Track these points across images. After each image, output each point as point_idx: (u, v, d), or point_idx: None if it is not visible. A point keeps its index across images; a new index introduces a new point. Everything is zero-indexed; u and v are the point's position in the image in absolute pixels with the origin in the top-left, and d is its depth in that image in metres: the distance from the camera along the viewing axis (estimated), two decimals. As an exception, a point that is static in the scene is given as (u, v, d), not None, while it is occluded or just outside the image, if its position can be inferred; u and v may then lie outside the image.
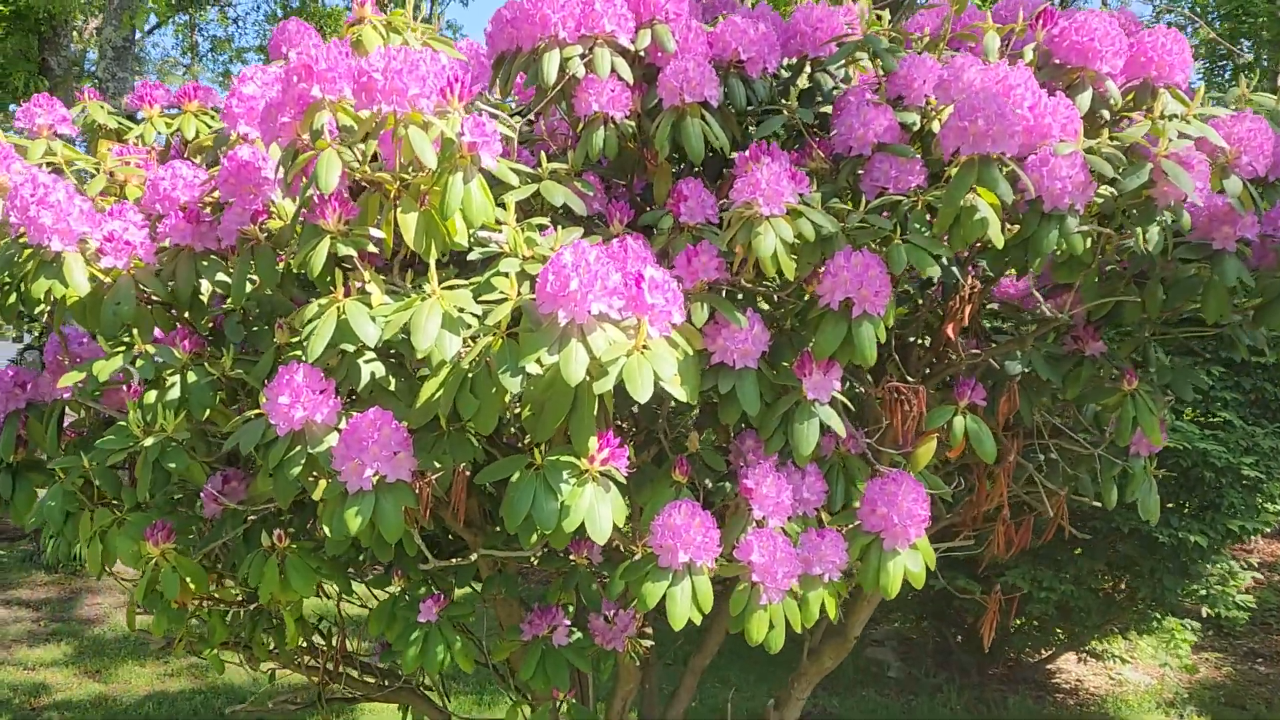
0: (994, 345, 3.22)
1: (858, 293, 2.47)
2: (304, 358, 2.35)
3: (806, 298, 2.76)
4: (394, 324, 2.24)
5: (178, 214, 2.75)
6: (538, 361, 2.18)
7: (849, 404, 2.71)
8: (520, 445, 3.04)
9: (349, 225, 2.43)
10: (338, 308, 2.37)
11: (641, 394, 2.14)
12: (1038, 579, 6.17)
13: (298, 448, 2.41)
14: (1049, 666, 7.28)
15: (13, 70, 12.91)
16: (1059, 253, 2.64)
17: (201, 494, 2.97)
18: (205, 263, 2.77)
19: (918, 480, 2.64)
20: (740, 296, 2.78)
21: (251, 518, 2.88)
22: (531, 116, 3.19)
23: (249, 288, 2.73)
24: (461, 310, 2.31)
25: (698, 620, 2.41)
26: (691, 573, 2.43)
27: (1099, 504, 3.31)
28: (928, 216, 2.63)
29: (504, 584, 3.13)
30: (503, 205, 2.57)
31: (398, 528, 2.34)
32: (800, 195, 2.51)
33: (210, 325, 2.96)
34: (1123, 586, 6.50)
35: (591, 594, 3.03)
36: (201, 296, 2.90)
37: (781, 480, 2.58)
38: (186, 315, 2.84)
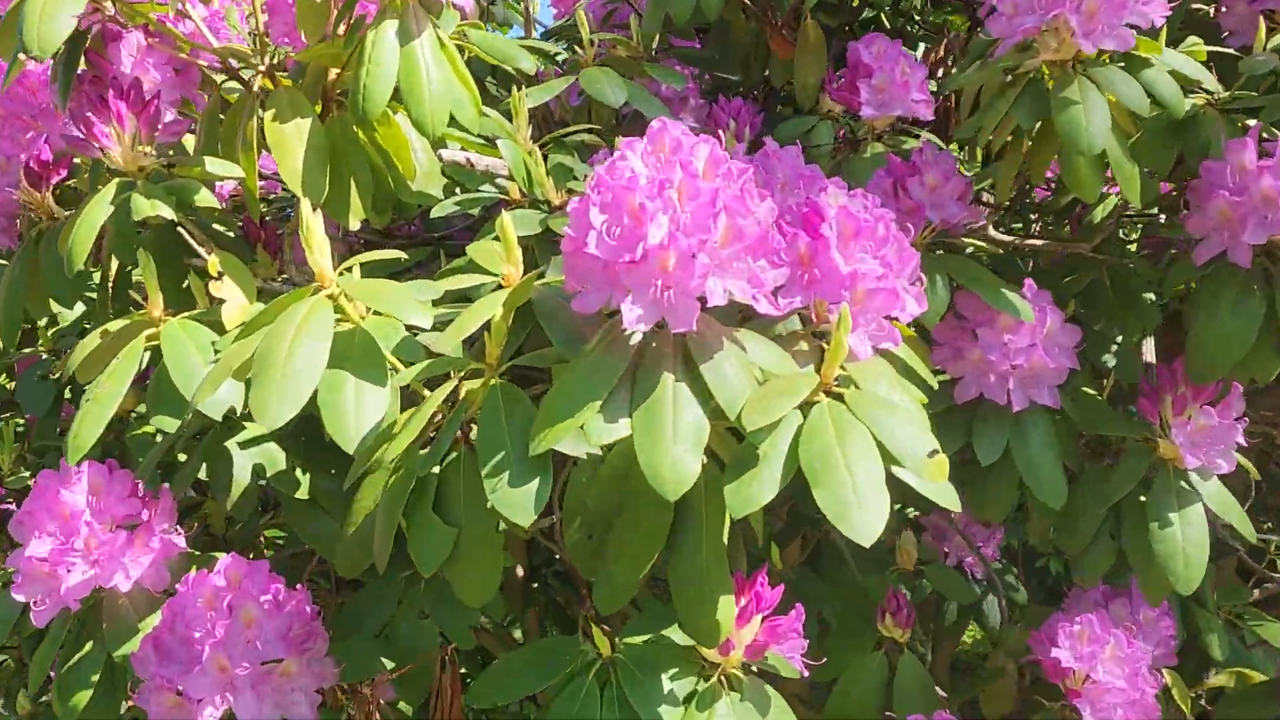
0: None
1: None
2: (69, 454, 1.06)
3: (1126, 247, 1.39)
4: (229, 363, 0.93)
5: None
6: (582, 433, 0.85)
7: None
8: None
9: (167, 159, 1.14)
10: (147, 336, 1.09)
11: (857, 519, 0.79)
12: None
13: (89, 645, 1.12)
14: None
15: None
16: None
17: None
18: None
19: None
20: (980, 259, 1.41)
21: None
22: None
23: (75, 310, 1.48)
24: (401, 322, 0.99)
25: None
26: None
27: None
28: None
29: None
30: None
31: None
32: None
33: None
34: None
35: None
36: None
37: (1135, 649, 1.21)
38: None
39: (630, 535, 0.97)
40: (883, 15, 2.09)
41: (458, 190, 1.37)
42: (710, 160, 0.85)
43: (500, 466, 0.87)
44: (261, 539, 1.59)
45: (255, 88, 1.15)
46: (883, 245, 0.94)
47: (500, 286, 0.98)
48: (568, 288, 0.87)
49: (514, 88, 1.26)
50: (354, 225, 1.14)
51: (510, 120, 1.26)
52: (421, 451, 0.97)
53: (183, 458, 1.42)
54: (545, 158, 1.25)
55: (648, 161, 0.85)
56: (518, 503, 0.85)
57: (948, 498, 0.88)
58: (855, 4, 1.74)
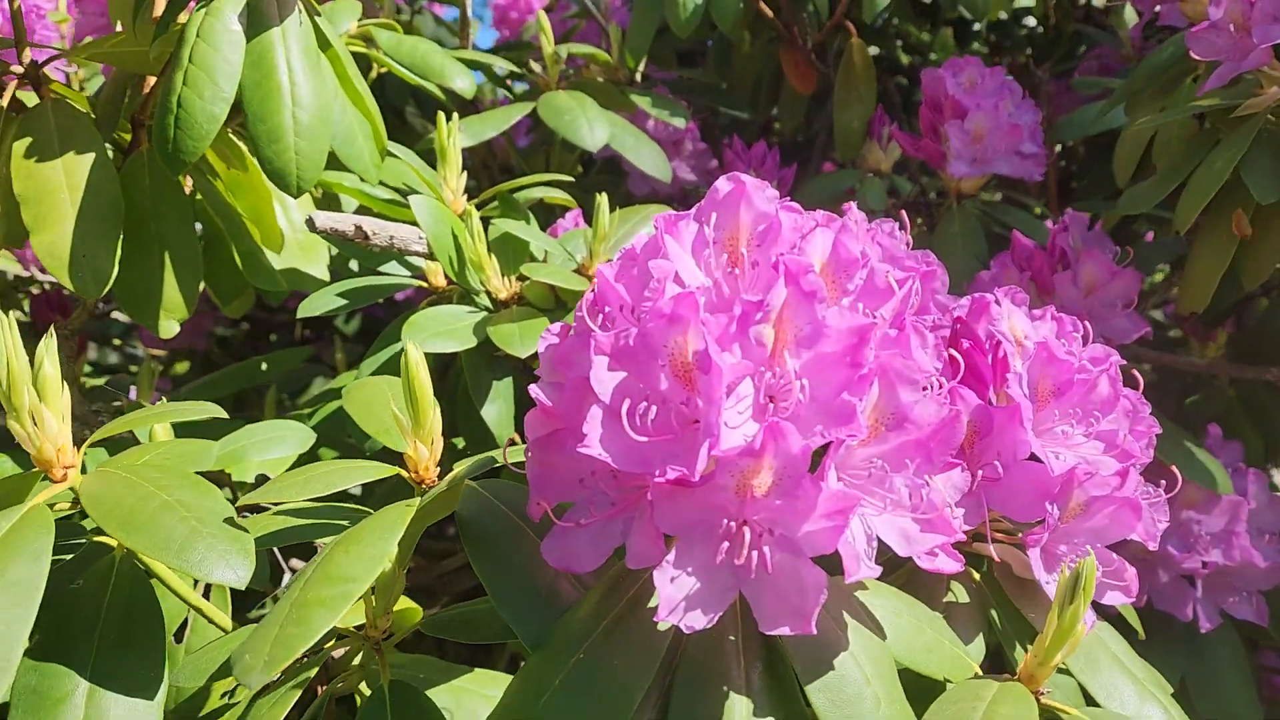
0: None
1: None
2: None
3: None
4: None
5: None
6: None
7: None
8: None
9: None
10: None
11: None
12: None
13: None
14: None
15: None
16: None
17: None
18: None
19: None
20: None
21: None
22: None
23: None
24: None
25: None
26: None
27: None
28: None
29: None
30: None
31: None
32: None
33: None
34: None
35: None
36: None
37: None
38: None
39: None
40: (899, 51, 1.72)
41: (353, 265, 0.93)
42: (834, 261, 0.42)
43: None
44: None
45: (6, 100, 0.70)
46: (1109, 410, 0.52)
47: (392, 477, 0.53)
48: (531, 509, 0.43)
49: (440, 116, 0.82)
50: (168, 332, 0.69)
51: (434, 167, 0.83)
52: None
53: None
54: (486, 225, 0.81)
55: (704, 259, 0.42)
56: None
57: None
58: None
